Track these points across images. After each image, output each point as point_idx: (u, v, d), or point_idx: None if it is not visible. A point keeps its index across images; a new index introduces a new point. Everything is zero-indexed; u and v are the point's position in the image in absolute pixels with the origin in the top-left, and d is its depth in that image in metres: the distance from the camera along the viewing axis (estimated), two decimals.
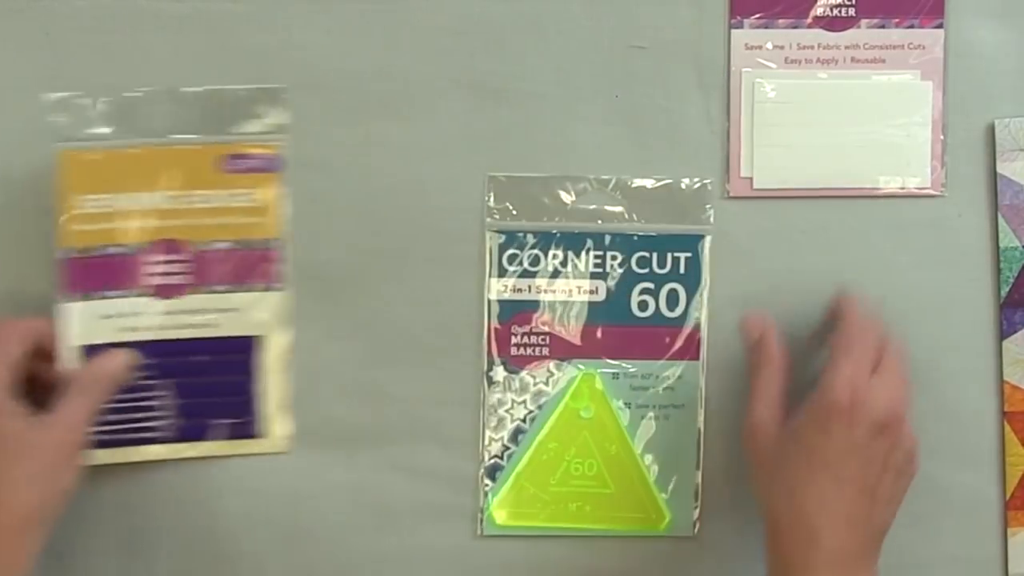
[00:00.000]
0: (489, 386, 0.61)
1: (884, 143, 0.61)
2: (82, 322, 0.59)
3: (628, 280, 0.61)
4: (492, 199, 0.60)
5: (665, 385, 0.61)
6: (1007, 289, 0.63)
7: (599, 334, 0.61)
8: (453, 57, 0.62)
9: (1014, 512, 0.63)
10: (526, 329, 0.61)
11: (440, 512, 0.62)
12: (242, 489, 0.62)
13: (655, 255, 0.61)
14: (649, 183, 0.61)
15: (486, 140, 0.62)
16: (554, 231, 0.61)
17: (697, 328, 0.61)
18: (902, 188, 0.62)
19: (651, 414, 0.62)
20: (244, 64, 0.61)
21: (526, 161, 0.62)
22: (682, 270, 0.61)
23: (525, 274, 0.61)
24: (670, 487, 0.62)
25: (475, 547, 0.62)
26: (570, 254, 0.60)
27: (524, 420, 0.61)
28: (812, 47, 0.61)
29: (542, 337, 0.61)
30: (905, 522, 0.63)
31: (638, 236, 0.61)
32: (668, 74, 0.62)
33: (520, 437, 0.61)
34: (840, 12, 0.61)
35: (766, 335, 0.59)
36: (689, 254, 0.61)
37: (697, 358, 0.62)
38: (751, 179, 0.61)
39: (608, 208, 0.61)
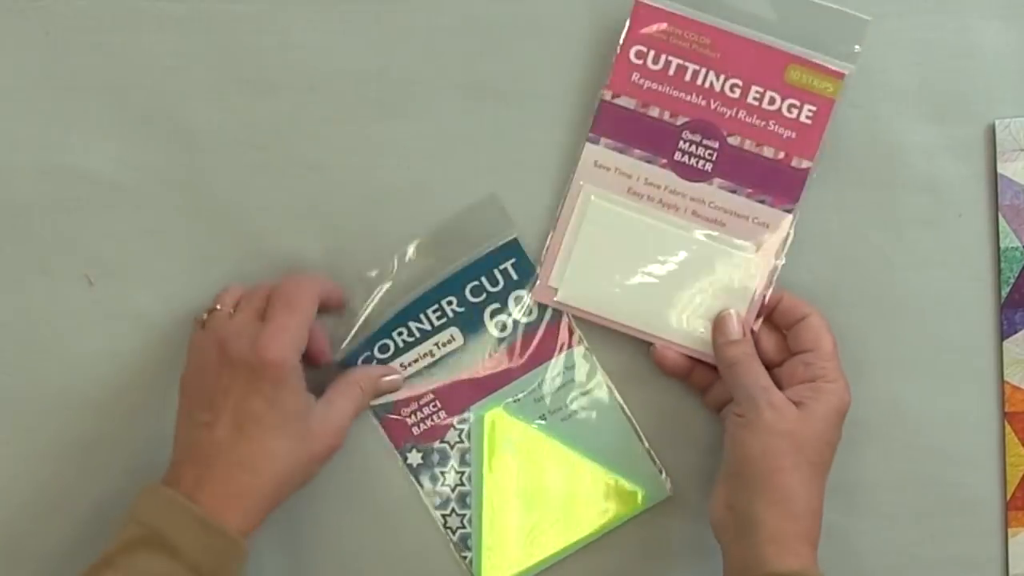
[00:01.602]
0: (414, 473, 0.61)
1: (699, 305, 0.61)
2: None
3: (474, 312, 0.61)
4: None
5: (562, 381, 0.61)
6: (1007, 289, 0.63)
7: (479, 372, 0.61)
8: (453, 57, 0.62)
9: (1014, 512, 0.63)
10: (413, 407, 0.61)
11: None
12: None
13: (483, 278, 0.61)
14: (446, 226, 0.61)
15: (486, 140, 0.62)
16: (385, 317, 0.60)
17: (558, 317, 0.61)
18: (701, 353, 0.61)
19: (568, 411, 0.61)
20: (244, 64, 0.62)
21: (526, 161, 0.62)
22: (515, 276, 0.61)
23: (382, 363, 0.60)
24: (625, 463, 0.61)
25: None
26: (411, 324, 0.60)
27: (462, 483, 0.61)
28: (659, 187, 0.60)
29: (431, 405, 0.61)
30: (905, 522, 0.63)
31: (457, 271, 0.60)
32: None
33: (468, 499, 0.61)
34: (697, 163, 0.60)
35: (746, 332, 0.60)
36: (513, 259, 0.60)
37: (573, 345, 0.61)
38: (555, 289, 0.61)
39: (421, 270, 0.61)
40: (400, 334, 0.60)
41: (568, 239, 0.61)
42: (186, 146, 0.62)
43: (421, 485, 0.61)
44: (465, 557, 0.61)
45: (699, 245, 0.60)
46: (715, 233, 0.61)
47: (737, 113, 0.60)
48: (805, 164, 0.60)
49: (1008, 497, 0.63)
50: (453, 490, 0.61)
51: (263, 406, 0.54)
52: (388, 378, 0.60)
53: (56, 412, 0.62)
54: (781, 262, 0.61)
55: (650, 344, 0.61)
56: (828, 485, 0.62)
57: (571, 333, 0.61)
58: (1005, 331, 0.63)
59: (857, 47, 0.59)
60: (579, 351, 0.61)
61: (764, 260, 0.61)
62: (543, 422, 0.61)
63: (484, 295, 0.60)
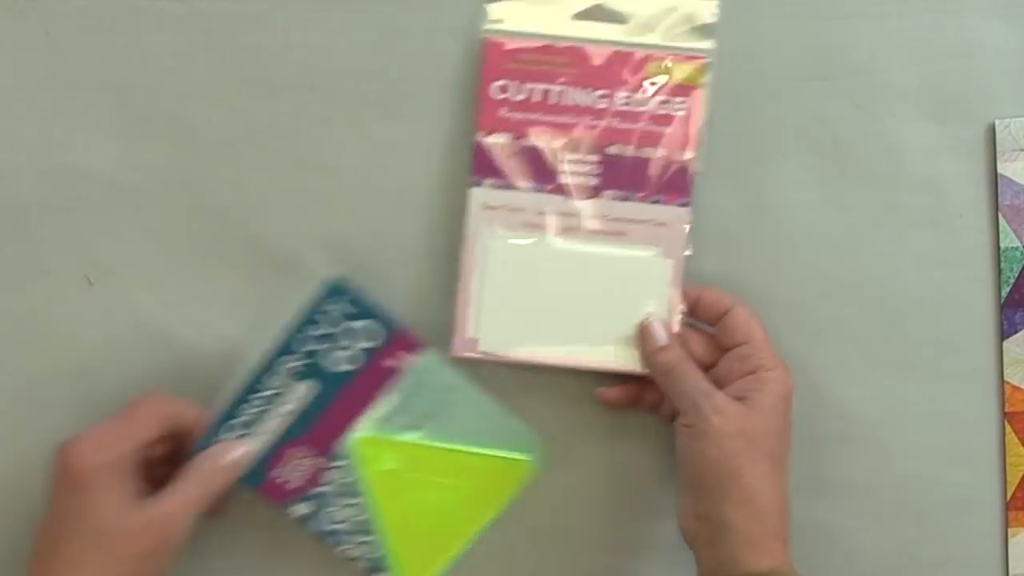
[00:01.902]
0: (306, 523, 0.60)
1: (617, 318, 0.60)
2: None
3: (322, 357, 0.59)
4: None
5: (418, 387, 0.60)
6: (1007, 289, 0.63)
7: (340, 409, 0.60)
8: (453, 57, 0.62)
9: (1014, 512, 0.63)
10: (286, 466, 0.60)
11: None
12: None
13: (321, 323, 0.59)
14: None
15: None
16: (233, 399, 0.59)
17: (399, 331, 0.59)
18: (636, 366, 0.60)
19: (436, 416, 0.61)
20: (244, 64, 0.62)
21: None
22: (352, 309, 0.59)
23: (246, 436, 0.59)
24: (507, 439, 0.61)
25: None
26: (260, 394, 0.59)
27: (358, 515, 0.60)
28: (552, 213, 0.60)
29: (303, 456, 0.60)
30: (905, 522, 0.63)
31: (292, 334, 0.59)
32: None
33: (368, 527, 0.60)
34: (583, 181, 0.60)
35: (671, 335, 0.59)
36: (348, 297, 0.59)
37: (418, 347, 0.60)
38: (477, 340, 0.60)
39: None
40: (250, 407, 0.59)
41: (476, 287, 0.60)
42: (186, 146, 0.62)
43: (323, 532, 0.60)
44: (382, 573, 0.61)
45: (605, 260, 0.60)
46: (618, 244, 0.60)
47: (610, 122, 0.60)
48: (688, 155, 0.60)
49: (1008, 497, 0.63)
50: (351, 523, 0.60)
51: (62, 510, 0.54)
52: (238, 453, 0.59)
53: (56, 412, 0.62)
54: (688, 253, 0.60)
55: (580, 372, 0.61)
56: (828, 485, 0.62)
57: (414, 343, 0.60)
58: (1005, 331, 0.63)
59: (711, 29, 0.60)
60: (424, 356, 0.60)
61: (671, 259, 0.60)
62: (413, 431, 0.61)
63: (327, 341, 0.59)
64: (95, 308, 0.62)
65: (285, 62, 0.62)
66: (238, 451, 0.59)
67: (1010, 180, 0.62)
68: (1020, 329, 0.63)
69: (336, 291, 0.59)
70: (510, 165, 0.60)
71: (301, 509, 0.60)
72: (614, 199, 0.60)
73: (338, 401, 0.60)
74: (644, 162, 0.60)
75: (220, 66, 0.62)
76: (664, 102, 0.60)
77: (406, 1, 0.62)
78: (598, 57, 0.60)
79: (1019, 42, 0.63)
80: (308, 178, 0.62)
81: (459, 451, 0.61)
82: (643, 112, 0.60)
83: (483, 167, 0.60)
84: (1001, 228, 0.62)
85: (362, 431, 0.60)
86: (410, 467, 0.61)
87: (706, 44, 0.60)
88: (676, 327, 0.60)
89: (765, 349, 0.58)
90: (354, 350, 0.59)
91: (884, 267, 0.63)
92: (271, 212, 0.62)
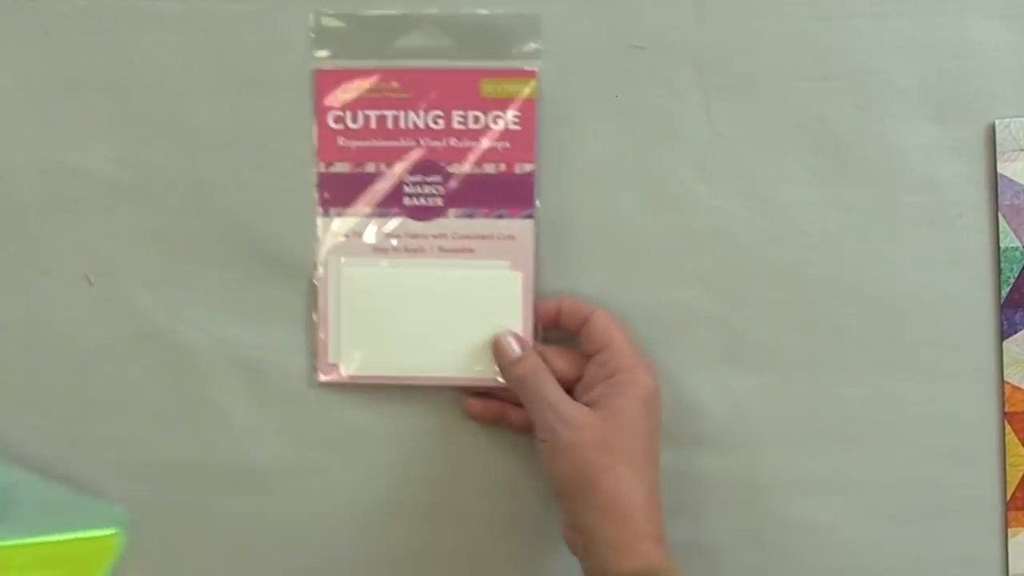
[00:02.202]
0: None
1: (474, 334, 0.61)
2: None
3: None
4: None
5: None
6: (1007, 289, 0.63)
7: None
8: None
9: (1014, 512, 0.63)
10: None
11: None
12: (243, 488, 0.62)
13: None
14: None
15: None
16: None
17: None
18: (496, 380, 0.61)
19: (3, 512, 0.60)
20: (244, 64, 0.61)
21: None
22: None
23: None
24: (86, 518, 0.60)
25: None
26: None
27: None
28: (399, 236, 0.61)
29: None
30: (905, 522, 0.63)
31: None
32: (668, 74, 0.62)
33: None
34: (427, 202, 0.61)
35: (526, 345, 0.60)
36: None
37: None
38: (338, 365, 0.61)
39: None
40: None
41: (333, 314, 0.61)
42: (186, 146, 0.62)
43: None
44: None
45: (456, 278, 0.61)
46: (467, 261, 0.61)
47: (448, 142, 0.61)
48: (528, 168, 0.61)
49: (1008, 497, 0.63)
50: None
51: None
52: None
53: (56, 412, 0.62)
54: (536, 265, 0.61)
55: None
56: (829, 485, 0.62)
57: None
58: (1005, 331, 0.63)
59: (535, 45, 0.61)
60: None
61: (520, 272, 0.61)
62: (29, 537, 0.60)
63: None
64: (95, 308, 0.62)
65: (285, 62, 0.62)
66: None
67: (1010, 180, 0.62)
68: (1020, 329, 0.63)
69: None
70: (354, 193, 0.61)
71: None
72: (459, 217, 0.61)
73: None
74: (485, 178, 0.61)
75: (220, 66, 0.62)
76: (499, 117, 0.61)
77: (406, 2, 0.62)
78: (430, 79, 0.61)
79: (1019, 42, 0.63)
80: (308, 178, 0.62)
81: (39, 543, 0.60)
82: (479, 129, 0.61)
83: (328, 197, 0.61)
84: (1001, 228, 0.62)
85: None
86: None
87: (534, 49, 0.61)
88: (531, 340, 0.60)
89: (624, 351, 0.58)
90: None
91: (884, 267, 0.63)
92: (271, 212, 0.62)
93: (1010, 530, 0.63)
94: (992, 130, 0.62)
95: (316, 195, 0.61)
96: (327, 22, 0.61)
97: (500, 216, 0.61)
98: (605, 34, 0.62)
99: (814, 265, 0.63)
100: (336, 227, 0.61)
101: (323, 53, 0.61)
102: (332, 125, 0.61)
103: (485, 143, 0.61)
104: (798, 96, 0.62)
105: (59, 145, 0.61)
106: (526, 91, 0.61)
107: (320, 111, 0.61)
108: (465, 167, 0.61)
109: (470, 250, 0.61)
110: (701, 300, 0.63)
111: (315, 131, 0.61)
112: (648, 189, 0.62)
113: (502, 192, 0.61)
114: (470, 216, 0.61)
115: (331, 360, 0.61)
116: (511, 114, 0.61)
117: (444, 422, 0.62)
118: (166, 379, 0.62)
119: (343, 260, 0.61)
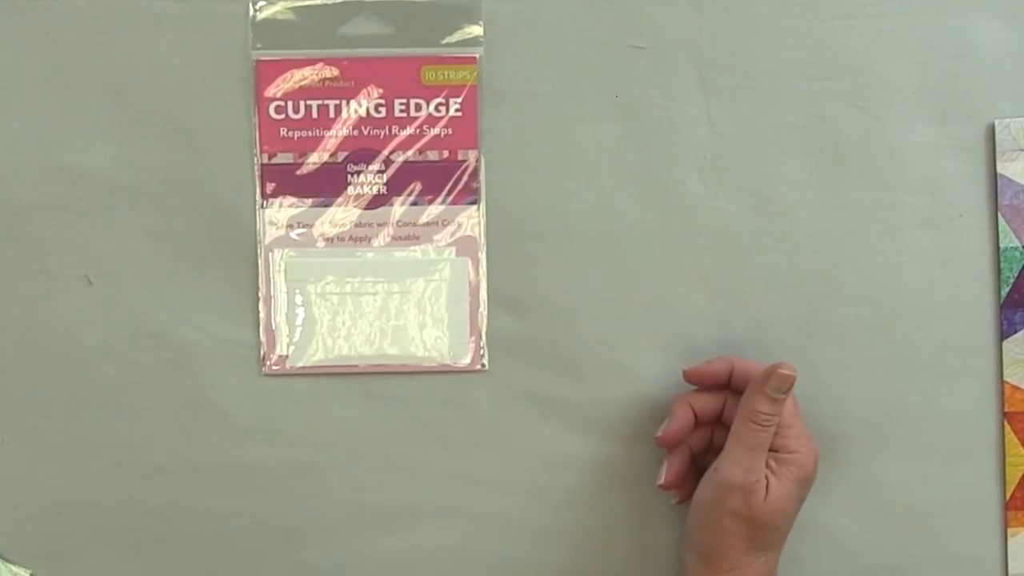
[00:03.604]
0: None
1: (423, 320, 0.62)
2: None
3: None
4: None
5: None
6: (1007, 289, 0.63)
7: None
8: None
9: (1014, 512, 0.63)
10: None
11: None
12: (242, 487, 0.62)
13: None
14: None
15: (486, 140, 0.62)
16: None
17: None
18: (445, 365, 0.61)
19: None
20: (244, 64, 0.61)
21: (525, 161, 0.62)
22: None
23: None
24: None
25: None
26: None
27: None
28: (344, 225, 0.61)
29: None
30: (905, 522, 0.63)
31: None
32: (668, 74, 0.62)
33: None
34: (372, 190, 0.61)
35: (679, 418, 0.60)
36: None
37: None
38: (286, 356, 0.61)
39: None
40: None
41: (280, 306, 0.61)
42: (186, 146, 0.62)
43: None
44: None
45: (404, 265, 0.61)
46: (415, 248, 0.61)
47: (391, 130, 0.61)
48: (472, 155, 0.61)
49: (1008, 497, 0.63)
50: None
51: None
52: None
53: (56, 412, 0.62)
54: (483, 252, 0.61)
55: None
56: (828, 485, 0.62)
57: None
58: (1005, 331, 0.63)
59: (479, 28, 0.61)
60: None
61: (466, 257, 0.61)
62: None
63: None
64: (95, 308, 0.62)
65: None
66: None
67: (1010, 180, 0.62)
68: (1020, 329, 0.63)
69: None
70: (297, 183, 0.61)
71: None
72: (404, 205, 0.61)
73: None
74: (428, 165, 0.61)
75: (220, 66, 0.62)
76: (441, 104, 0.61)
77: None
78: (371, 67, 0.61)
79: (1019, 42, 0.63)
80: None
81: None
82: (421, 117, 0.61)
83: (270, 188, 0.61)
84: (1001, 228, 0.62)
85: None
86: None
87: (476, 34, 0.61)
88: (480, 327, 0.61)
89: (793, 426, 0.58)
90: None
91: (884, 267, 0.63)
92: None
93: (1010, 530, 0.63)
94: (992, 130, 0.62)
95: (255, 184, 0.61)
96: (266, 12, 0.61)
97: (445, 203, 0.61)
98: (605, 34, 0.62)
99: (814, 265, 0.63)
100: (277, 218, 0.61)
101: (262, 44, 0.61)
102: (273, 115, 0.61)
103: (427, 130, 0.61)
104: (798, 96, 0.62)
105: (59, 145, 0.61)
106: (467, 77, 0.61)
107: (261, 101, 0.61)
108: (408, 155, 0.61)
109: (415, 237, 0.61)
110: (701, 300, 0.63)
111: (256, 122, 0.61)
112: (648, 189, 0.62)
113: (446, 179, 0.61)
114: (415, 204, 0.61)
115: (280, 352, 0.61)
116: (453, 101, 0.61)
117: (431, 414, 0.62)
118: (166, 379, 0.62)
119: (288, 251, 0.61)
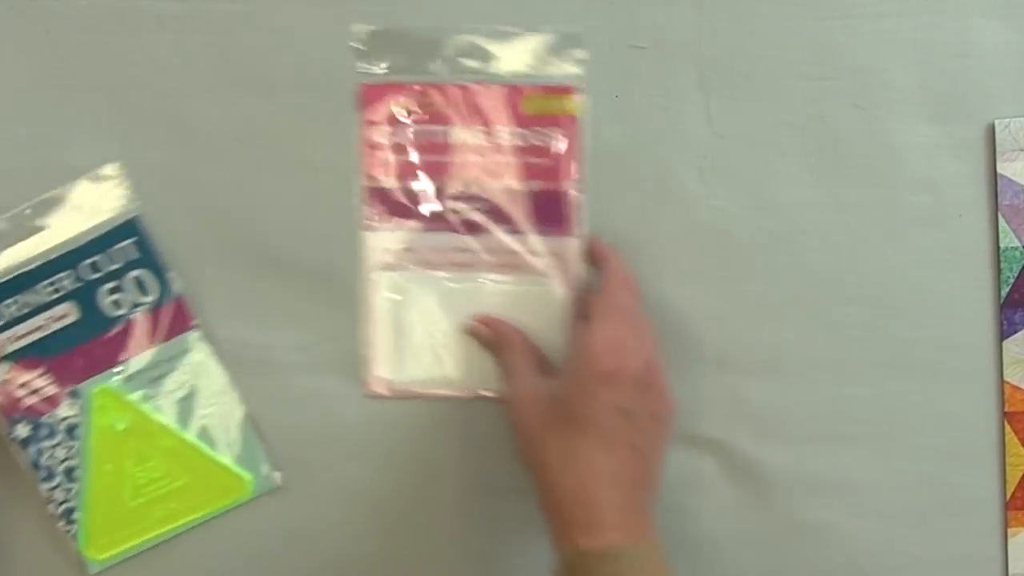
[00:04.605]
0: (21, 445, 0.60)
1: None
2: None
3: (91, 288, 0.60)
4: None
5: (177, 363, 0.61)
6: (1007, 289, 0.63)
7: (92, 348, 0.60)
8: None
9: (1014, 512, 0.63)
10: (23, 379, 0.60)
11: None
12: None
13: (101, 255, 0.60)
14: (65, 195, 0.60)
15: None
16: None
17: (179, 298, 0.61)
18: None
19: (179, 395, 0.61)
20: (244, 64, 0.61)
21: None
22: (136, 254, 0.60)
23: None
24: (236, 452, 0.62)
25: None
26: (21, 296, 0.60)
27: (70, 458, 0.60)
28: (445, 251, 0.61)
29: (42, 378, 0.60)
30: (905, 522, 0.63)
31: (75, 247, 0.60)
32: (668, 74, 0.62)
33: (76, 473, 0.61)
34: (472, 217, 0.61)
35: (496, 326, 0.60)
36: (134, 238, 0.60)
37: (190, 328, 0.61)
38: (385, 378, 0.62)
39: (31, 245, 0.60)
40: (9, 305, 0.60)
41: (381, 327, 0.61)
42: (186, 146, 0.62)
43: (28, 458, 0.60)
44: (69, 531, 0.61)
45: (500, 294, 0.61)
46: (514, 276, 0.61)
47: (492, 158, 0.61)
48: (572, 187, 0.61)
49: (1008, 497, 0.63)
50: (60, 463, 0.60)
51: None
52: None
53: None
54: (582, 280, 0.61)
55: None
56: (828, 485, 0.62)
57: (187, 317, 0.61)
58: (1005, 331, 0.63)
59: (580, 58, 0.61)
60: (195, 336, 0.61)
61: (563, 288, 0.61)
62: (155, 402, 0.61)
63: (101, 273, 0.60)
64: None
65: (285, 62, 0.62)
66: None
67: (1010, 180, 0.62)
68: (1020, 329, 0.63)
69: (128, 230, 0.60)
70: (399, 208, 0.61)
71: (22, 431, 0.60)
72: (504, 233, 0.61)
73: (95, 340, 0.60)
74: (530, 195, 0.61)
75: (220, 66, 0.62)
76: (543, 134, 0.61)
77: (406, 1, 0.61)
78: (474, 94, 0.61)
79: (1019, 42, 0.63)
80: (308, 178, 0.62)
81: (188, 441, 0.61)
82: (523, 146, 0.61)
83: (373, 211, 0.61)
84: (1001, 228, 0.62)
85: (106, 381, 0.61)
86: (136, 436, 0.61)
87: (578, 71, 0.61)
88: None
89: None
90: (127, 297, 0.60)
91: (884, 267, 0.63)
92: (271, 212, 0.62)
93: (1010, 530, 0.63)
94: (992, 130, 0.62)
95: (359, 209, 0.61)
96: (373, 34, 0.61)
97: (543, 234, 0.61)
98: (605, 34, 0.62)
99: (814, 265, 0.63)
100: (381, 242, 0.61)
101: (367, 66, 0.61)
102: (376, 139, 0.61)
103: (529, 160, 0.61)
104: (798, 96, 0.62)
105: (59, 145, 0.61)
106: (568, 107, 0.61)
107: (365, 125, 0.61)
108: (510, 183, 0.61)
109: (514, 266, 0.61)
110: (701, 300, 0.63)
111: (359, 145, 0.61)
112: (648, 189, 0.62)
113: (549, 209, 0.61)
114: (514, 232, 0.61)
115: (380, 374, 0.61)
116: (553, 131, 0.61)
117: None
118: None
119: (387, 274, 0.61)
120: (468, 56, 0.61)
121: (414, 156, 0.61)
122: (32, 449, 0.60)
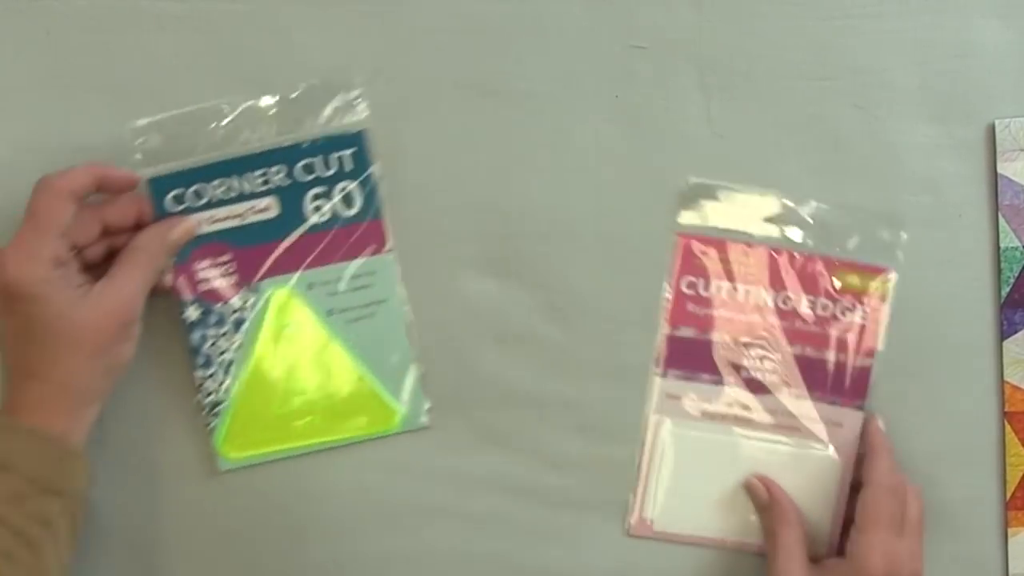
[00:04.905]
0: (188, 328, 0.60)
1: None
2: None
3: (297, 190, 0.60)
4: (141, 141, 0.59)
5: (362, 284, 0.61)
6: (1007, 289, 0.63)
7: (282, 249, 0.60)
8: (453, 57, 0.62)
9: (1014, 512, 0.63)
10: (208, 263, 0.60)
11: None
12: (247, 491, 0.62)
13: (319, 158, 0.60)
14: (300, 94, 0.60)
15: (486, 140, 0.62)
16: (211, 161, 0.60)
17: (380, 221, 0.61)
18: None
19: (355, 315, 0.61)
20: (244, 64, 0.61)
21: (525, 160, 0.62)
22: (350, 166, 0.60)
23: (191, 210, 0.60)
24: (394, 384, 0.61)
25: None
26: (232, 179, 0.60)
27: (232, 351, 0.60)
28: (731, 405, 0.62)
29: (227, 266, 0.60)
30: None
31: (295, 146, 0.60)
32: (668, 74, 0.62)
33: (232, 368, 0.60)
34: (764, 376, 0.62)
35: (776, 494, 0.61)
36: (354, 149, 0.60)
37: (384, 249, 0.61)
38: (652, 521, 0.62)
39: (261, 128, 0.60)
40: (218, 186, 0.60)
41: (654, 470, 0.62)
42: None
43: (190, 342, 0.60)
44: (209, 424, 0.61)
45: (778, 453, 0.62)
46: (792, 439, 0.62)
47: (794, 323, 0.62)
48: (867, 362, 0.62)
49: (1008, 497, 0.63)
50: (220, 355, 0.60)
51: (22, 321, 0.54)
52: (178, 229, 0.59)
53: None
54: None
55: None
56: None
57: (384, 240, 0.61)
58: (1005, 331, 0.63)
59: (899, 236, 0.62)
60: (387, 259, 0.61)
61: (841, 458, 0.62)
62: (330, 316, 0.61)
63: (313, 175, 0.60)
64: None
65: (285, 62, 0.62)
66: (179, 228, 0.59)
67: (1010, 180, 0.62)
68: (1020, 329, 0.63)
69: (351, 140, 0.60)
70: (695, 358, 0.62)
71: (193, 313, 0.60)
72: (791, 396, 0.62)
73: (288, 241, 0.60)
74: (824, 363, 0.62)
75: (220, 66, 0.62)
76: (848, 309, 0.62)
77: (406, 1, 0.61)
78: (787, 260, 0.62)
79: (1019, 42, 0.63)
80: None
81: (354, 362, 0.61)
82: (826, 317, 0.62)
83: (670, 359, 0.62)
84: (1001, 228, 0.62)
85: (287, 283, 0.60)
86: (302, 344, 0.61)
87: (890, 259, 0.62)
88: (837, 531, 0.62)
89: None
90: (331, 205, 0.60)
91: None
92: None
93: (1010, 530, 0.63)
94: (992, 130, 0.62)
95: (657, 355, 0.62)
96: (694, 189, 0.62)
97: (832, 403, 0.62)
98: (605, 34, 0.62)
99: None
100: (670, 389, 0.62)
101: (688, 218, 0.62)
102: (685, 290, 0.62)
103: (830, 331, 0.62)
104: (798, 96, 0.62)
105: (59, 145, 0.61)
106: (879, 287, 0.62)
107: (677, 275, 0.62)
108: (806, 350, 0.62)
109: (796, 428, 0.62)
110: None
111: (669, 295, 0.62)
112: (648, 189, 0.62)
113: (838, 380, 0.62)
114: (802, 397, 0.62)
115: (645, 515, 0.62)
116: (860, 308, 0.61)
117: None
118: (166, 379, 0.62)
119: (672, 420, 0.62)
120: (788, 223, 0.62)
121: (718, 310, 0.62)
122: (197, 334, 0.60)
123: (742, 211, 0.62)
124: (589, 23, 0.62)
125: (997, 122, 0.62)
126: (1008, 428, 0.63)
